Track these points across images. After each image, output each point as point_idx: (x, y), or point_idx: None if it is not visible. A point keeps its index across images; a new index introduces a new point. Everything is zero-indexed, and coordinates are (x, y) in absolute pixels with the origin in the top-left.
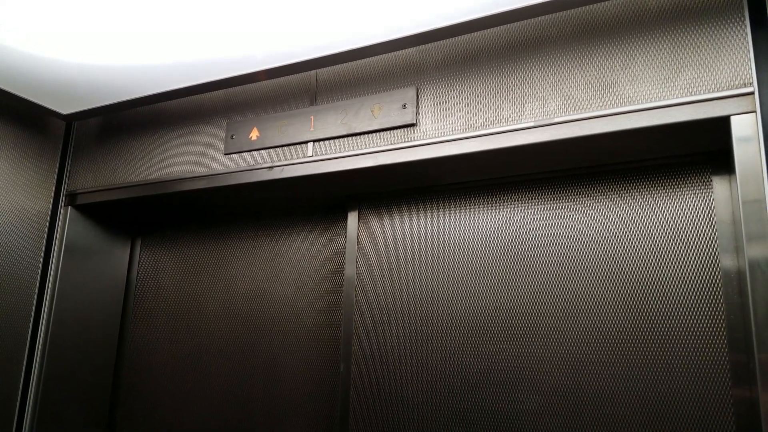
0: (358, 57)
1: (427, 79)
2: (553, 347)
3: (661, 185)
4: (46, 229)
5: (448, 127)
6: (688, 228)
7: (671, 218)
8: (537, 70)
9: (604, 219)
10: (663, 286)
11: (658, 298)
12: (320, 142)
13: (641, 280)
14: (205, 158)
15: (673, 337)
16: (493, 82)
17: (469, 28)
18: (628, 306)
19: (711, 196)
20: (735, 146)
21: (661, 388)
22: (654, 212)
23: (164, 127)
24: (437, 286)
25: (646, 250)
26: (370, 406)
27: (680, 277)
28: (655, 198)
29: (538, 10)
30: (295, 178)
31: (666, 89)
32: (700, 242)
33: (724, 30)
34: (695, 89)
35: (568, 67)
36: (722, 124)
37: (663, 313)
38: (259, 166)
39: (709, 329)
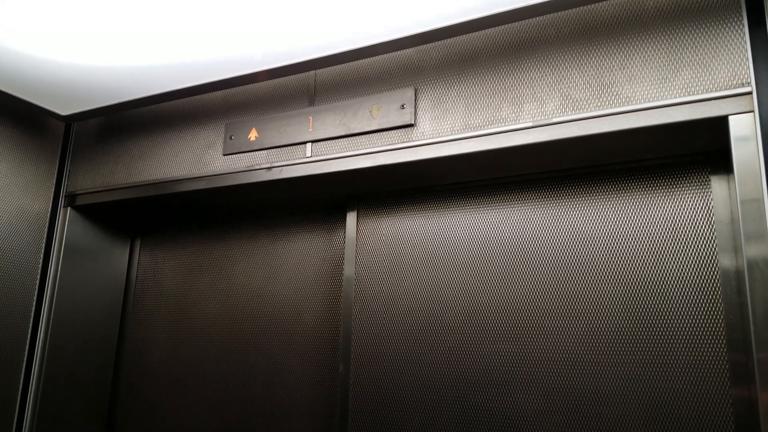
0: (357, 57)
1: (425, 80)
2: (552, 347)
3: (660, 185)
4: (46, 229)
5: (447, 128)
6: (687, 228)
7: (670, 218)
8: (535, 70)
9: (602, 219)
10: (661, 286)
11: (657, 297)
12: (319, 143)
13: (640, 279)
14: (204, 159)
15: (671, 336)
16: (491, 83)
17: (467, 29)
18: (626, 306)
19: (709, 195)
20: (733, 146)
21: (660, 388)
22: (652, 212)
23: (163, 127)
24: (436, 286)
25: (644, 249)
26: (370, 405)
27: (679, 277)
28: (654, 198)
29: (537, 10)
30: (294, 178)
31: (664, 89)
32: (699, 242)
33: (722, 30)
34: (693, 89)
35: (567, 68)
36: (720, 124)
37: (662, 313)
38: (258, 167)
39: (707, 329)
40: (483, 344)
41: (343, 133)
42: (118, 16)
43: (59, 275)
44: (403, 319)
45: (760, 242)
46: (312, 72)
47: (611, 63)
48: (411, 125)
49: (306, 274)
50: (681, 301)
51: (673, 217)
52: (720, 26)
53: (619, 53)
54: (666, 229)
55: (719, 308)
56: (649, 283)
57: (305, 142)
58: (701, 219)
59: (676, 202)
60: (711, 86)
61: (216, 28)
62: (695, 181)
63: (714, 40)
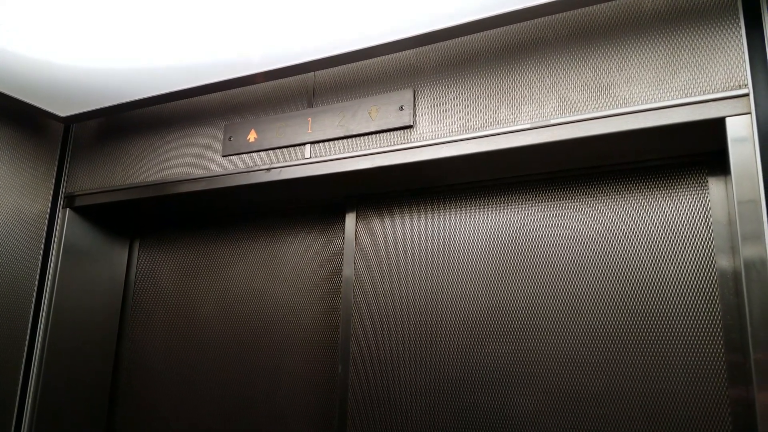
0: (356, 59)
1: (424, 81)
2: (551, 348)
3: (657, 186)
4: (45, 230)
5: (445, 129)
6: (684, 228)
7: (667, 219)
8: (533, 72)
9: (600, 220)
10: (659, 287)
11: (655, 298)
12: (318, 144)
13: (638, 280)
14: (203, 160)
15: (669, 336)
16: (489, 84)
17: (465, 31)
18: (625, 306)
19: (707, 196)
20: (730, 147)
21: (657, 388)
22: (650, 213)
23: (163, 129)
24: (435, 287)
25: (642, 250)
26: (369, 407)
27: (677, 278)
28: (651, 199)
29: (535, 12)
30: (293, 179)
31: (662, 91)
32: (696, 243)
33: (720, 32)
34: (691, 91)
35: (565, 69)
36: (717, 126)
37: (660, 313)
38: (257, 168)
39: (705, 329)
40: (482, 344)
41: (342, 135)
42: (117, 17)
43: (58, 276)
44: (402, 320)
45: (756, 243)
46: (311, 73)
47: (609, 65)
48: (410, 127)
49: (305, 275)
50: (679, 302)
51: (671, 218)
52: (717, 28)
53: (616, 55)
54: (663, 230)
55: (716, 309)
56: (646, 283)
57: (304, 144)
58: (699, 220)
59: (673, 203)
60: (708, 88)
61: (215, 30)
62: (693, 183)
63: (711, 42)
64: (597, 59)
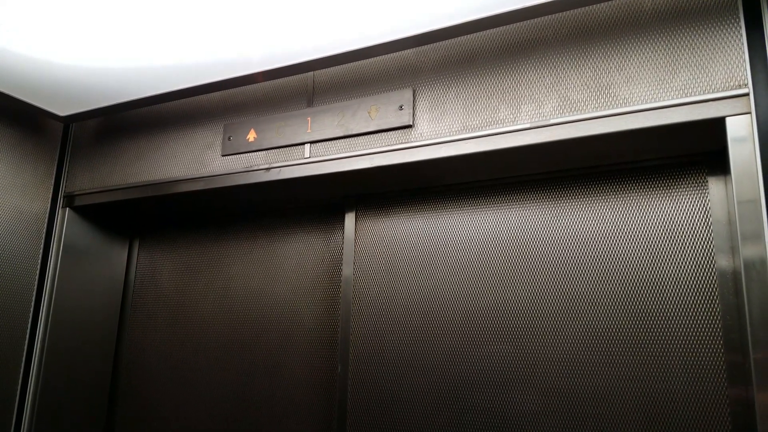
0: (355, 59)
1: (423, 81)
2: (550, 348)
3: (657, 186)
4: (44, 230)
5: (445, 129)
6: (684, 228)
7: (667, 219)
8: (533, 71)
9: (600, 220)
10: (659, 286)
11: (655, 298)
12: (317, 144)
13: (637, 280)
14: (202, 160)
15: (669, 337)
16: (489, 84)
17: (465, 30)
18: (624, 306)
19: (707, 196)
20: (730, 147)
21: (657, 388)
22: (650, 213)
23: (162, 128)
24: (434, 287)
25: (642, 250)
26: (368, 406)
27: (676, 277)
28: (651, 198)
29: (534, 12)
30: (293, 179)
31: (662, 91)
32: (696, 242)
33: (720, 31)
34: (691, 91)
35: (564, 69)
36: (717, 126)
37: (659, 313)
38: (256, 168)
39: (705, 329)
40: (481, 344)
41: (341, 134)
42: (116, 17)
43: (58, 275)
44: (401, 319)
45: (756, 243)
46: (310, 73)
47: (609, 64)
48: (409, 126)
49: (304, 275)
50: (678, 302)
51: (671, 218)
52: (717, 28)
53: (616, 55)
54: (663, 230)
55: (716, 309)
56: (646, 283)
57: (304, 143)
58: (698, 220)
59: (673, 203)
60: (708, 88)
61: (214, 30)
62: (692, 182)
63: (711, 42)
64: (597, 59)
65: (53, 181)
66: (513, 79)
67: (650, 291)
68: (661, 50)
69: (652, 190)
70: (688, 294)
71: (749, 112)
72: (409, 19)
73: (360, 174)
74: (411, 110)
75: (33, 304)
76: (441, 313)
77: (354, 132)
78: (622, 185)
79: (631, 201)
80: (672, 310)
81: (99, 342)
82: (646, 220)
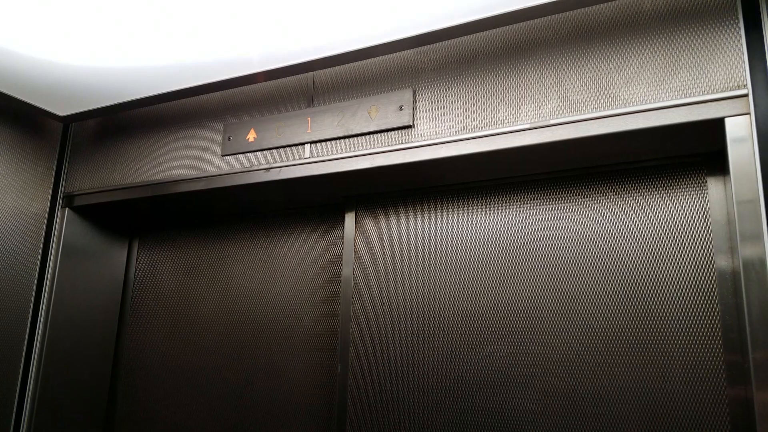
0: (355, 59)
1: (423, 81)
2: (550, 348)
3: (657, 186)
4: (44, 230)
5: (445, 129)
6: (684, 228)
7: (666, 219)
8: (533, 72)
9: (599, 220)
10: (658, 286)
11: (654, 298)
12: (317, 144)
13: (637, 280)
14: (202, 160)
15: (668, 337)
16: (489, 84)
17: (465, 31)
18: (623, 306)
19: (706, 196)
20: (729, 147)
21: (656, 388)
22: (649, 213)
23: (161, 128)
24: (434, 287)
25: (641, 250)
26: (368, 406)
27: (676, 277)
28: (651, 199)
29: (535, 12)
30: (293, 179)
31: (661, 91)
32: (695, 242)
33: (719, 32)
34: (690, 91)
35: (564, 70)
36: (717, 126)
37: (658, 313)
38: (256, 168)
39: (704, 329)
40: (481, 345)
41: (341, 134)
42: (116, 17)
43: (57, 276)
44: (401, 319)
45: (755, 243)
46: (310, 73)
47: (608, 65)
48: (409, 126)
49: (304, 275)
50: (678, 302)
51: (670, 218)
52: (716, 29)
53: (616, 55)
54: (663, 230)
55: (716, 309)
56: (645, 283)
57: (304, 143)
58: (698, 220)
59: (672, 203)
60: (708, 88)
61: (215, 29)
62: (692, 183)
63: (711, 42)
64: (596, 59)
65: (53, 181)
66: (513, 80)
67: (650, 291)
68: (660, 51)
69: (652, 190)
70: (688, 294)
71: (748, 113)
72: (409, 19)
73: (360, 174)
74: (411, 110)
75: (32, 304)
76: (441, 313)
77: (354, 132)
78: (621, 185)
79: (631, 201)
80: (671, 310)
81: (98, 342)
82: (646, 221)
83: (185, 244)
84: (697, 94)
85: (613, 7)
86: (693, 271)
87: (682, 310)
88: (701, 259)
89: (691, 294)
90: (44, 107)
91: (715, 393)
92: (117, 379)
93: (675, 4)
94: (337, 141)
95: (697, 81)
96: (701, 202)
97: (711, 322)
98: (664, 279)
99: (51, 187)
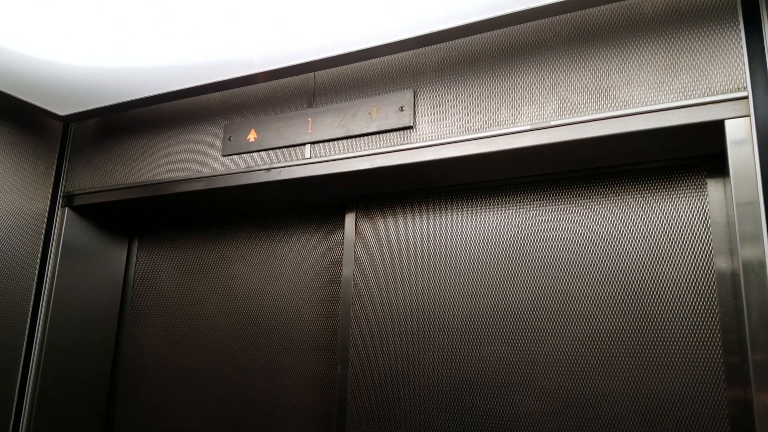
0: (356, 59)
1: (424, 82)
2: (549, 349)
3: (656, 188)
4: (44, 230)
5: (445, 130)
6: (683, 230)
7: (666, 220)
8: (533, 73)
9: (599, 221)
10: (658, 288)
11: (653, 299)
12: (318, 144)
13: (636, 281)
14: (202, 160)
15: (668, 338)
16: (489, 86)
17: (466, 32)
18: (623, 307)
19: (705, 198)
20: (729, 149)
21: (656, 389)
22: (649, 214)
23: (162, 128)
24: (434, 288)
25: (641, 252)
26: (367, 407)
27: (675, 279)
28: (650, 200)
29: (535, 14)
30: (293, 179)
31: (661, 93)
32: (695, 244)
33: (719, 34)
34: (690, 93)
35: (565, 71)
36: (717, 128)
37: (658, 315)
38: (256, 168)
39: (703, 330)
40: (481, 345)
41: (342, 135)
42: (117, 16)
43: (57, 275)
44: (401, 320)
45: (755, 244)
46: (311, 73)
47: (609, 67)
48: (410, 127)
49: (304, 276)
50: (677, 303)
51: (670, 220)
52: (717, 31)
53: (616, 57)
54: (662, 232)
55: (715, 310)
56: (645, 285)
57: (304, 144)
58: (698, 221)
59: (672, 205)
60: (708, 90)
61: (215, 29)
62: (692, 184)
63: (711, 45)
64: (597, 61)
65: (52, 181)
66: (513, 81)
67: (649, 292)
68: (660, 53)
69: (652, 192)
70: (687, 295)
71: (748, 115)
72: (409, 20)
73: (360, 175)
74: (412, 111)
75: (32, 304)
76: (441, 314)
77: (354, 133)
78: (621, 187)
79: (631, 203)
80: (671, 311)
81: (98, 342)
82: (646, 222)
83: (185, 244)
84: (697, 96)
85: (613, 9)
86: (692, 272)
87: (681, 311)
88: (701, 260)
89: (691, 295)
90: (44, 107)
91: (715, 394)
92: (117, 379)
93: (675, 6)
94: (338, 141)
95: (698, 83)
96: (701, 203)
97: (710, 323)
98: (664, 280)
99: (51, 186)
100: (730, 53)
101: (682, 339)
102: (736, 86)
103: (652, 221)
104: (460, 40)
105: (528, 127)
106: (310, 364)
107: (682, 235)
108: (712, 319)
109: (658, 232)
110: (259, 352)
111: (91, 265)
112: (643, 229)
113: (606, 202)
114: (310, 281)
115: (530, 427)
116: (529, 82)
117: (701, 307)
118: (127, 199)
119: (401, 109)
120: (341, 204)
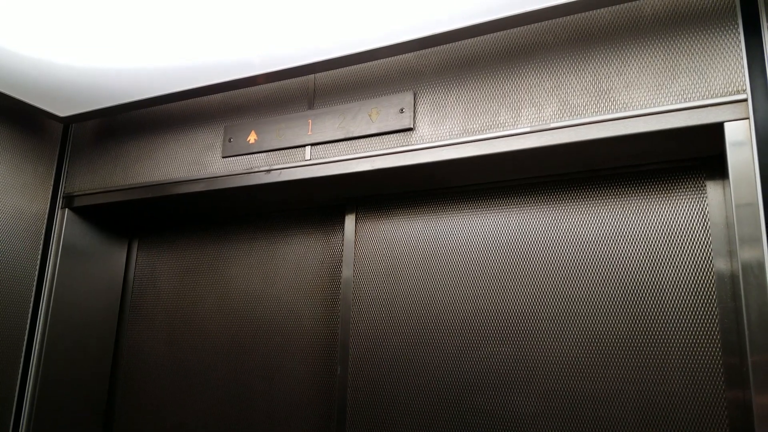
0: (356, 61)
1: (424, 84)
2: (549, 350)
3: (656, 190)
4: (44, 231)
5: (445, 132)
6: (683, 232)
7: (666, 222)
8: (533, 75)
9: (599, 223)
10: (657, 290)
11: (653, 301)
12: (318, 146)
13: (636, 283)
14: (202, 161)
15: (667, 339)
16: (489, 88)
17: (466, 34)
18: (623, 309)
19: (705, 200)
20: (728, 152)
21: (655, 391)
22: (649, 216)
23: (162, 129)
24: (434, 289)
25: (641, 253)
26: (367, 408)
27: (675, 281)
28: (650, 202)
29: (535, 16)
30: (293, 181)
31: (661, 95)
32: (694, 246)
33: (718, 37)
34: (689, 96)
35: (564, 73)
36: (716, 130)
37: (657, 316)
38: (256, 169)
39: (703, 332)
40: (481, 347)
41: (342, 137)
42: (117, 17)
43: (57, 276)
44: (401, 321)
45: (754, 246)
46: (311, 75)
47: (608, 69)
48: (410, 129)
49: (304, 277)
50: (677, 305)
51: (669, 222)
52: (716, 34)
53: (616, 60)
54: (662, 233)
55: (714, 311)
56: (645, 286)
57: (304, 145)
58: (697, 223)
59: (672, 207)
60: (707, 93)
61: (216, 31)
62: (691, 186)
63: (710, 47)
64: (596, 64)
65: (52, 182)
66: (513, 83)
67: (649, 294)
68: (660, 55)
69: (651, 193)
70: (687, 297)
71: (747, 118)
72: (410, 22)
73: (360, 176)
74: (412, 113)
75: (32, 304)
76: (441, 316)
77: (355, 134)
78: (621, 189)
79: (630, 204)
80: (670, 313)
81: (98, 343)
82: (645, 224)
83: (185, 245)
84: (696, 98)
85: (613, 12)
86: (692, 274)
87: (681, 313)
88: (700, 262)
89: (690, 297)
90: (44, 108)
91: (714, 396)
92: (117, 379)
93: (675, 8)
94: (338, 143)
95: (697, 85)
96: (700, 205)
97: (710, 325)
98: (664, 282)
99: (51, 187)
100: (730, 56)
101: (681, 340)
102: (735, 89)
103: (652, 223)
104: (460, 42)
105: (527, 129)
106: (309, 365)
107: (681, 236)
108: (711, 320)
109: (658, 234)
110: (258, 353)
111: (91, 266)
112: (643, 231)
113: (606, 204)
114: (310, 282)
115: (530, 428)
116: (529, 84)
117: (700, 308)
118: (127, 200)
119: (401, 110)
120: (341, 205)
